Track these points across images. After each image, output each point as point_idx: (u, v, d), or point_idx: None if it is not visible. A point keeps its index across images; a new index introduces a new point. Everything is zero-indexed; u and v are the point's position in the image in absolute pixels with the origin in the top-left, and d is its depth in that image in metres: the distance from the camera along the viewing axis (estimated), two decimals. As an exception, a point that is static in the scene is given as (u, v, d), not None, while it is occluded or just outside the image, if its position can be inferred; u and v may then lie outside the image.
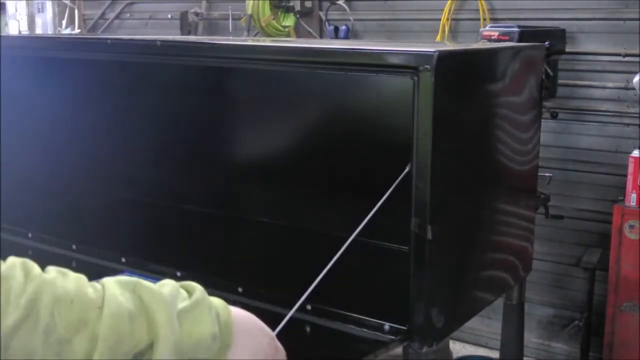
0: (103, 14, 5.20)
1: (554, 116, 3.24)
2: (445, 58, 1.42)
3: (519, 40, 2.94)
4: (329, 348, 1.54)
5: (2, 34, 5.20)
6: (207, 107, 2.09)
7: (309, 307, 1.53)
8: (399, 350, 1.52)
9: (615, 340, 3.15)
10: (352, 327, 1.54)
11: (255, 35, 4.21)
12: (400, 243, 1.59)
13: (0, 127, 2.07)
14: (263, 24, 4.11)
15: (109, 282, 0.80)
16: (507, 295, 2.25)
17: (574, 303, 3.62)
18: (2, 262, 0.75)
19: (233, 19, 4.37)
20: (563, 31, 3.29)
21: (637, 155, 3.11)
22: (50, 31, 5.32)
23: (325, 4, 4.17)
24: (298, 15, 4.22)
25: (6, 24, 5.55)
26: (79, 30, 5.23)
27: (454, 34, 3.78)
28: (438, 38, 3.75)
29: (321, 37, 4.20)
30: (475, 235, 1.73)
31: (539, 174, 2.10)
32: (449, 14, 3.74)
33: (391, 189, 1.48)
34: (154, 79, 2.07)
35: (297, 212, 1.94)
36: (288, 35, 4.21)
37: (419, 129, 1.41)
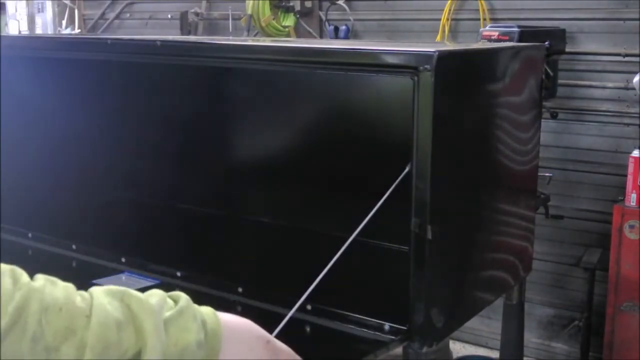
0: (103, 14, 5.20)
1: (554, 116, 3.24)
2: (445, 58, 1.42)
3: (519, 40, 2.94)
4: (329, 348, 1.54)
5: (2, 34, 5.20)
6: (207, 107, 2.09)
7: (309, 307, 1.53)
8: (399, 350, 1.52)
9: (615, 340, 3.15)
10: (352, 327, 1.54)
11: (255, 35, 4.21)
12: (400, 243, 1.59)
13: (0, 127, 2.07)
14: (263, 24, 4.11)
15: (97, 291, 0.81)
16: (507, 295, 2.25)
17: (574, 303, 3.62)
18: None
19: (233, 19, 4.38)
20: (563, 31, 3.29)
21: (637, 155, 3.11)
22: (50, 31, 5.32)
23: (325, 4, 4.17)
24: (298, 15, 4.22)
25: (6, 24, 5.55)
26: (79, 30, 5.23)
27: (454, 34, 3.79)
28: (438, 38, 3.75)
29: (321, 37, 4.20)
30: (475, 235, 1.72)
31: (539, 174, 2.10)
32: (449, 14, 3.74)
33: (391, 189, 1.48)
34: (154, 79, 2.07)
35: (297, 212, 1.94)
36: (288, 35, 4.21)
37: (419, 129, 1.41)
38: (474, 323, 3.40)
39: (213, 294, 1.64)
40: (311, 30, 4.25)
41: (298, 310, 1.39)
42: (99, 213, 2.17)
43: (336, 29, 4.04)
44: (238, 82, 2.03)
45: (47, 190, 2.23)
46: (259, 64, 1.76)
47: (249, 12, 4.12)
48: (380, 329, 1.51)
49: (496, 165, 1.79)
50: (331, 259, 1.44)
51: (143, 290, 0.85)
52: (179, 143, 2.13)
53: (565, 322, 3.66)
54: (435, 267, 1.49)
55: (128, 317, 0.79)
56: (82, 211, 2.17)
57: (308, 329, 1.57)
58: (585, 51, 3.48)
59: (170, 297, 0.85)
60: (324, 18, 4.17)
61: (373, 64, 1.52)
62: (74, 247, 2.02)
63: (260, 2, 4.09)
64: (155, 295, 0.84)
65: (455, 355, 3.64)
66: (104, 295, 0.80)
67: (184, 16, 4.53)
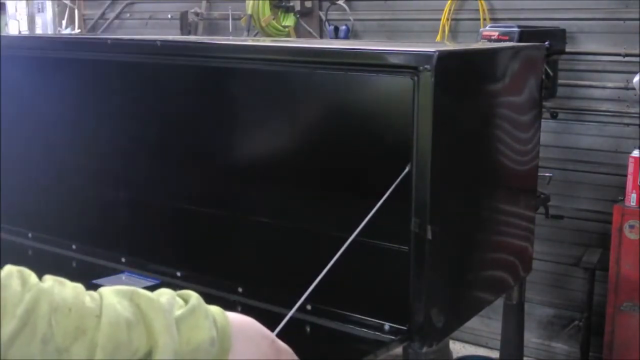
0: (103, 14, 5.20)
1: (554, 116, 3.24)
2: (445, 58, 1.42)
3: (519, 40, 2.94)
4: (329, 348, 1.54)
5: (2, 34, 5.20)
6: (207, 107, 2.09)
7: (309, 307, 1.53)
8: (399, 350, 1.52)
9: (615, 340, 3.15)
10: (352, 327, 1.54)
11: (255, 35, 4.21)
12: (400, 243, 1.59)
13: (1, 127, 2.07)
14: (263, 24, 4.11)
15: (107, 291, 0.81)
16: (507, 295, 2.25)
17: (574, 303, 3.62)
18: None
19: (233, 19, 4.38)
20: (563, 31, 3.29)
21: (637, 155, 3.11)
22: (50, 31, 5.32)
23: (325, 4, 4.17)
24: (298, 15, 4.22)
25: (6, 24, 5.55)
26: (79, 30, 5.23)
27: (454, 34, 3.79)
28: (438, 38, 3.75)
29: (321, 37, 4.20)
30: (475, 235, 1.73)
31: (539, 174, 2.10)
32: (449, 14, 3.74)
33: (391, 189, 1.48)
34: (154, 79, 2.07)
35: (297, 212, 1.93)
36: (288, 35, 4.21)
37: (418, 128, 1.41)
38: (474, 323, 3.40)
39: (213, 294, 1.64)
40: (311, 30, 4.25)
41: (298, 310, 1.39)
42: (99, 213, 2.16)
43: (336, 29, 4.04)
44: (238, 82, 2.03)
45: (47, 190, 2.23)
46: (259, 64, 1.76)
47: (249, 12, 4.12)
48: (380, 329, 1.51)
49: (496, 165, 1.79)
50: (331, 259, 1.44)
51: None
52: (179, 143, 2.12)
53: (565, 322, 3.66)
54: (435, 267, 1.49)
55: (138, 316, 0.79)
56: (82, 211, 2.17)
57: (308, 329, 1.57)
58: (585, 51, 3.48)
59: (180, 295, 0.85)
60: (324, 18, 4.17)
61: (373, 64, 1.53)
62: (74, 247, 2.02)
63: (260, 2, 4.09)
64: (165, 294, 0.84)
65: (455, 355, 3.64)
66: (113, 295, 0.80)
67: (184, 16, 4.54)
